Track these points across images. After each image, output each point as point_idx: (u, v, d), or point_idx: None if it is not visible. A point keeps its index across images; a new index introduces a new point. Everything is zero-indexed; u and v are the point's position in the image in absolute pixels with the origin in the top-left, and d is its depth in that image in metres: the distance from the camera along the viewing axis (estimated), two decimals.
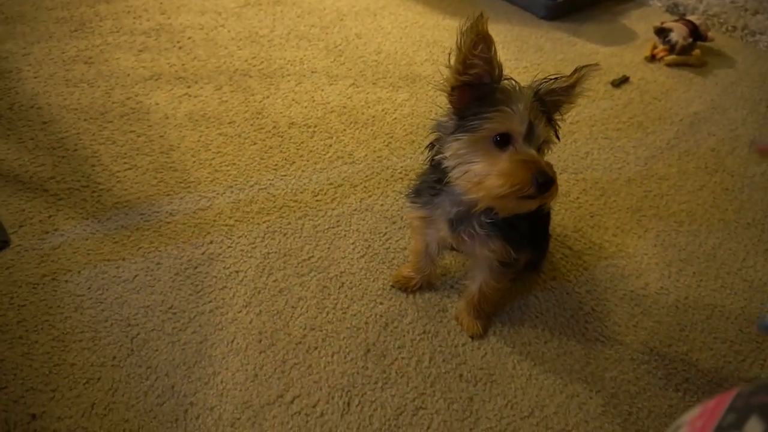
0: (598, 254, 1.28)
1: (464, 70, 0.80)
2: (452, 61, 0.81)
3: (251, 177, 1.35)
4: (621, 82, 1.87)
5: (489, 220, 0.89)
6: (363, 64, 1.79)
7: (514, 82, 0.82)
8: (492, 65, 0.80)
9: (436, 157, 0.88)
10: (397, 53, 1.86)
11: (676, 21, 2.07)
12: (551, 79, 0.84)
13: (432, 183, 0.92)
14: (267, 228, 1.24)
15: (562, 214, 1.36)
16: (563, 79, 0.84)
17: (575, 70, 0.84)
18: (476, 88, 0.81)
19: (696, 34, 2.03)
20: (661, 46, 2.05)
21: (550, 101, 0.85)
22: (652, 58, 2.03)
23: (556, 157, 1.51)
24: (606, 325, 1.14)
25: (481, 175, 0.79)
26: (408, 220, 1.13)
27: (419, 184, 0.97)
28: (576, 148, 1.57)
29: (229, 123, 1.49)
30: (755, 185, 1.53)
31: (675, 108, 1.79)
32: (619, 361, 1.08)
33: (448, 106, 0.87)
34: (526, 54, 1.95)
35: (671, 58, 2.00)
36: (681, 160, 1.58)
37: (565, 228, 1.33)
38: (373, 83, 1.71)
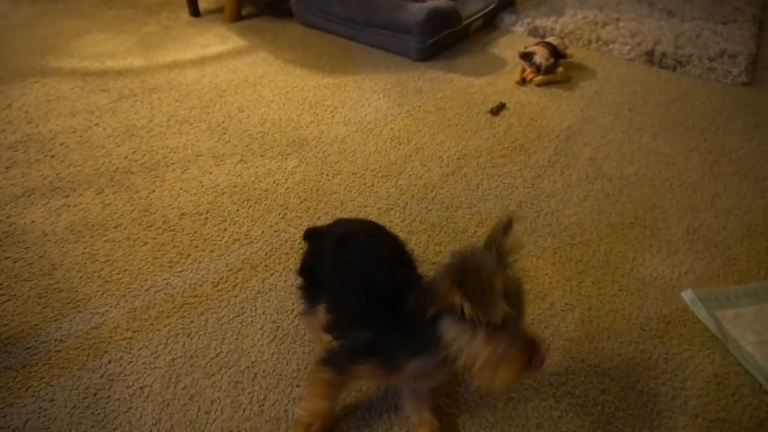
0: None
1: None
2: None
3: (146, 280, 1.29)
4: (499, 109, 1.98)
5: None
6: (249, 138, 1.78)
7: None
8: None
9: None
10: (282, 120, 1.88)
11: (536, 44, 2.23)
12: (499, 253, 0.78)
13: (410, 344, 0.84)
14: (168, 332, 1.18)
15: None
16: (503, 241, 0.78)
17: (493, 232, 0.79)
18: None
19: (556, 53, 2.20)
20: (528, 69, 2.19)
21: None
22: (523, 81, 2.17)
23: (449, 194, 1.57)
24: None
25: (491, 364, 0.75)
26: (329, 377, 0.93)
27: (382, 342, 0.86)
28: (467, 183, 1.63)
29: (115, 227, 1.43)
30: (631, 185, 1.65)
31: (551, 125, 1.91)
32: (539, 389, 1.11)
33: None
34: (407, 98, 2.03)
35: (539, 78, 2.15)
36: (564, 175, 1.68)
37: None
38: (261, 155, 1.71)
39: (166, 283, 1.29)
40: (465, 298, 0.71)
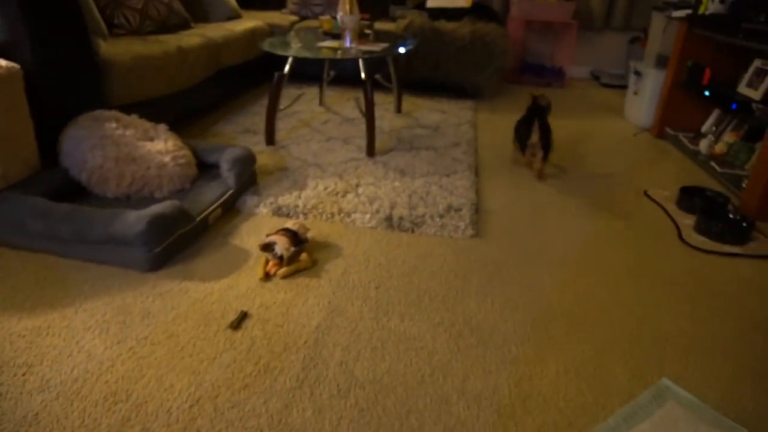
0: None
1: None
2: None
3: None
4: (240, 320, 1.79)
5: None
6: None
7: None
8: None
9: None
10: None
11: (276, 233, 2.15)
12: None
13: None
14: None
15: None
16: None
17: None
18: None
19: (297, 239, 2.15)
20: (272, 261, 2.09)
21: None
22: (267, 276, 2.04)
23: None
24: None
25: None
26: None
27: None
28: None
29: None
30: (385, 389, 1.55)
31: (298, 329, 1.77)
32: None
33: None
34: (131, 329, 1.73)
35: (283, 270, 2.05)
36: (314, 395, 1.52)
37: None
38: None
39: None
40: None
